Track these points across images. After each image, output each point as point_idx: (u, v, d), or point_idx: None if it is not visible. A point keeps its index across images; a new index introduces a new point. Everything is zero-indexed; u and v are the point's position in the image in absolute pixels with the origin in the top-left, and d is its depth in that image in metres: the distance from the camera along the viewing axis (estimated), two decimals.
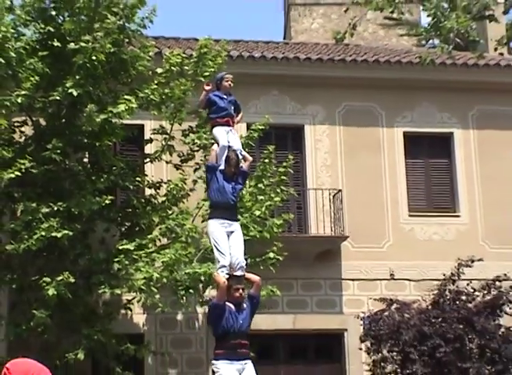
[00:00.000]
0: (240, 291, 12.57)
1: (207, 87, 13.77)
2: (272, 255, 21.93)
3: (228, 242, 12.92)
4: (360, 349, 24.37)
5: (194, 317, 25.04)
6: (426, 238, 27.46)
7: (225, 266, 12.65)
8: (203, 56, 21.87)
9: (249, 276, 13.07)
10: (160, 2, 21.93)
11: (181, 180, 22.19)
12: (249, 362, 12.70)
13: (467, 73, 28.13)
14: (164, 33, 26.39)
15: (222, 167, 13.14)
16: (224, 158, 13.17)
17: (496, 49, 27.15)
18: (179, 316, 24.79)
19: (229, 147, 13.28)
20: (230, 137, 13.46)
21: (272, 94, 27.11)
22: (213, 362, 12.58)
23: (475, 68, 27.78)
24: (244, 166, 13.57)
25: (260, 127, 22.76)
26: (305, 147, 27.29)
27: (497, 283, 23.98)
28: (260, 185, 22.22)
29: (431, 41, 23.99)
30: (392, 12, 24.29)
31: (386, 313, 23.84)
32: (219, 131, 13.53)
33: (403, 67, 28.01)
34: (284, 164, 23.01)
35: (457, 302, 23.74)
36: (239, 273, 12.80)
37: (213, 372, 12.49)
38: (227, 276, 12.54)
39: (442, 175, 28.66)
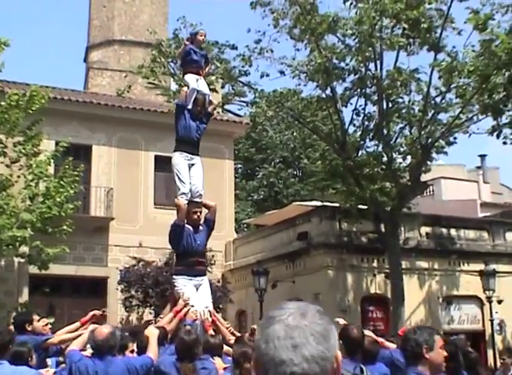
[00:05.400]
0: (198, 213, 10.67)
1: (186, 42, 11.83)
2: (65, 227, 21.77)
3: (189, 173, 10.98)
4: (117, 289, 24.74)
5: (12, 264, 24.60)
6: (164, 223, 27.41)
7: (184, 193, 10.75)
8: (32, 96, 21.76)
9: (205, 202, 11.17)
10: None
11: (9, 175, 21.86)
12: (205, 278, 10.84)
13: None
14: (6, 78, 25.61)
15: (189, 107, 11.05)
16: (192, 99, 11.08)
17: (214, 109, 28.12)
18: (2, 262, 24.38)
19: (198, 91, 11.19)
20: (200, 83, 11.38)
21: (73, 124, 27.03)
22: (173, 277, 10.62)
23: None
24: (210, 108, 11.54)
25: (64, 145, 22.73)
26: (92, 159, 27.42)
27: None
28: (61, 182, 22.00)
29: (177, 100, 24.76)
30: (153, 80, 25.03)
31: (136, 267, 24.38)
32: (190, 77, 11.40)
33: (157, 114, 28.42)
34: (77, 169, 22.95)
35: None
36: (197, 199, 10.92)
37: (173, 285, 10.52)
38: (186, 202, 10.64)
39: None
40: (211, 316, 9.79)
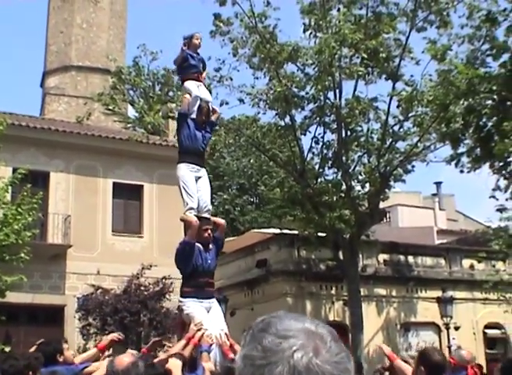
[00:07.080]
0: (209, 231, 9.63)
1: (184, 47, 10.69)
2: (22, 255, 21.51)
3: (196, 186, 10.01)
4: (75, 317, 24.46)
5: None
6: (122, 250, 27.80)
7: (193, 208, 9.76)
8: None
9: (214, 219, 10.24)
10: None
11: None
12: (214, 300, 9.70)
13: (156, 149, 28.81)
14: None
15: (193, 116, 10.17)
16: (196, 107, 10.23)
17: (174, 136, 28.23)
18: None
19: (201, 98, 10.36)
20: (201, 90, 10.57)
21: (31, 150, 26.79)
22: (181, 299, 9.44)
23: (160, 146, 28.61)
24: (213, 117, 10.62)
25: (22, 172, 22.51)
26: (50, 186, 27.20)
27: (164, 280, 24.69)
28: (19, 209, 21.80)
29: (136, 128, 24.78)
30: (114, 107, 25.03)
31: (94, 295, 24.16)
32: (191, 84, 10.48)
33: (116, 141, 28.42)
34: (36, 196, 22.75)
35: (138, 291, 24.13)
36: (206, 214, 9.94)
37: (181, 309, 9.37)
38: (196, 218, 9.57)
39: (135, 211, 29.11)
40: (228, 339, 8.78)
